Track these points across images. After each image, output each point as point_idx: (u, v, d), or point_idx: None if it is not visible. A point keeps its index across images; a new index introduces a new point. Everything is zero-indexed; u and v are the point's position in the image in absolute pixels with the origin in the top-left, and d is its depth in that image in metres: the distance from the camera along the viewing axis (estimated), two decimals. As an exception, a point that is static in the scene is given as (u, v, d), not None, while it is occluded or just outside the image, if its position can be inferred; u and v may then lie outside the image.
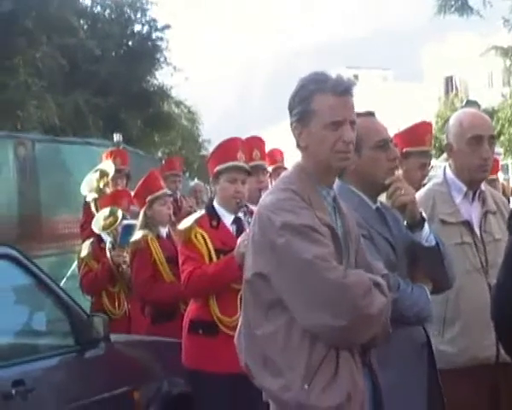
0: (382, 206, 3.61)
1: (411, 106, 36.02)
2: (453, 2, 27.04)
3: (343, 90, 3.04)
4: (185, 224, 4.99)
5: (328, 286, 2.85)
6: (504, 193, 6.87)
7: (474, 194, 4.14)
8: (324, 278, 2.84)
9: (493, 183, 6.87)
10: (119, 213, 6.86)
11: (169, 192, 6.90)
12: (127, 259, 6.58)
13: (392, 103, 40.58)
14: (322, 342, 2.89)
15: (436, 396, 3.57)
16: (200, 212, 5.22)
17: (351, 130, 3.05)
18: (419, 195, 4.22)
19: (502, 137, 29.48)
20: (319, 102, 3.01)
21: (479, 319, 3.78)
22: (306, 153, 3.08)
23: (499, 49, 25.80)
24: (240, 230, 4.93)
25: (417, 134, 5.61)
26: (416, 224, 3.50)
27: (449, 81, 45.38)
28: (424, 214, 3.56)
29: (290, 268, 2.87)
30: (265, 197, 3.08)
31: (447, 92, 42.67)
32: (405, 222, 3.53)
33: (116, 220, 6.82)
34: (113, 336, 5.23)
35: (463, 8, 26.95)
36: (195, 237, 4.87)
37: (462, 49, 39.34)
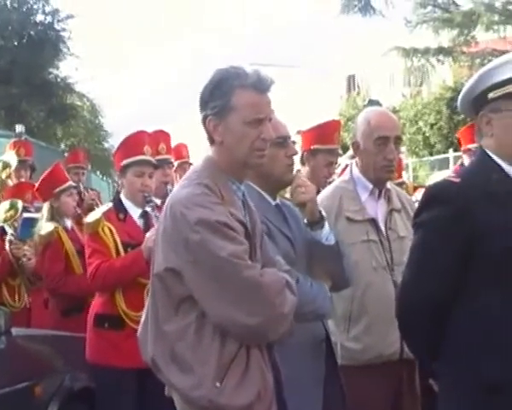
0: (282, 203, 3.63)
1: (317, 104, 36.35)
2: (356, 3, 27.43)
3: (265, 87, 3.04)
4: (92, 216, 4.94)
5: (243, 284, 2.84)
6: (407, 192, 6.99)
7: (380, 192, 4.19)
8: (240, 277, 2.84)
9: (400, 186, 7.02)
10: (19, 206, 6.74)
11: (74, 184, 6.82)
12: (28, 252, 6.46)
13: (299, 101, 40.88)
14: (233, 340, 2.89)
15: (336, 391, 3.60)
16: (108, 205, 5.17)
17: (270, 127, 3.06)
18: (326, 192, 4.28)
19: (403, 137, 30.08)
20: (240, 97, 2.98)
21: (384, 317, 3.83)
22: (221, 148, 3.04)
23: (401, 50, 26.23)
24: (147, 224, 4.90)
25: (325, 132, 5.64)
26: (316, 222, 3.53)
27: (351, 80, 45.99)
28: (324, 213, 3.60)
29: (205, 265, 2.85)
30: (178, 191, 3.03)
31: (349, 91, 43.23)
32: (305, 220, 3.55)
33: (16, 213, 6.70)
34: (14, 330, 5.13)
35: (366, 8, 27.32)
36: (102, 230, 4.83)
37: (365, 49, 39.93)
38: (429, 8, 26.37)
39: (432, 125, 28.90)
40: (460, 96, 3.16)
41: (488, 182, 2.93)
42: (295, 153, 3.63)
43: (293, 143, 3.70)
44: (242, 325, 2.85)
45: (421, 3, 26.12)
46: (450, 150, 22.91)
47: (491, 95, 3.00)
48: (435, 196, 3.02)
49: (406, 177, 11.06)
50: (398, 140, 4.19)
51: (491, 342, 2.84)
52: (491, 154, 3.01)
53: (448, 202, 2.92)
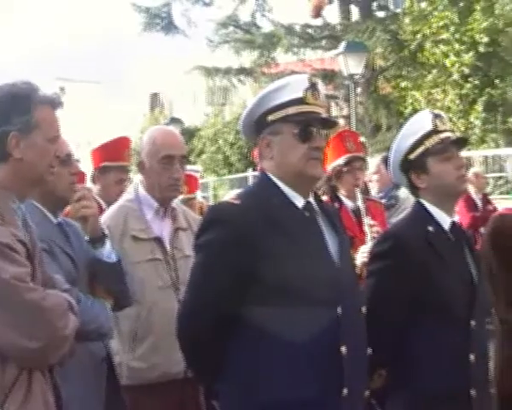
0: (64, 221, 3.58)
1: (120, 120, 36.09)
2: (159, 21, 27.55)
3: (58, 104, 3.02)
4: None
5: (25, 308, 2.76)
6: (202, 211, 7.05)
7: (166, 211, 4.20)
8: (22, 300, 2.75)
9: (190, 201, 7.06)
10: None
11: None
12: None
13: (102, 117, 40.44)
14: (14, 364, 2.79)
15: None
16: None
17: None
18: (111, 211, 4.24)
19: (203, 156, 30.38)
20: (42, 114, 2.93)
21: (169, 336, 3.75)
22: (16, 164, 2.91)
23: (203, 69, 26.54)
24: None
25: (115, 149, 5.57)
26: (98, 239, 3.50)
27: (154, 97, 46.03)
28: (106, 230, 3.57)
29: None
30: None
31: (153, 108, 43.23)
32: (87, 237, 3.51)
33: None
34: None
35: (169, 27, 27.53)
36: None
37: (169, 67, 40.07)
38: (231, 28, 26.85)
39: (232, 145, 29.36)
40: (241, 119, 3.21)
41: (268, 205, 2.98)
42: (78, 171, 3.59)
43: (77, 161, 3.66)
44: (23, 348, 2.76)
45: (223, 24, 26.56)
46: (250, 169, 23.37)
47: (270, 117, 3.05)
48: (215, 217, 3.05)
49: (201, 196, 11.14)
50: (183, 159, 4.21)
51: (267, 365, 2.89)
52: (271, 176, 3.07)
53: (226, 223, 2.94)
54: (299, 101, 3.04)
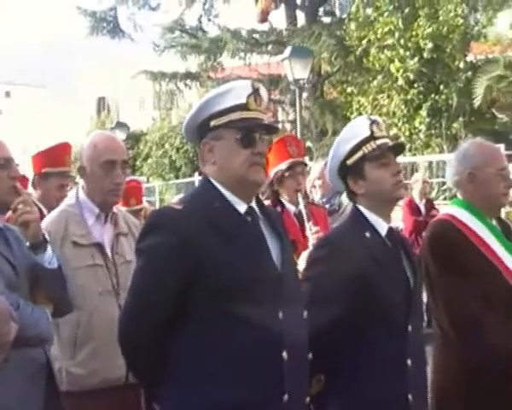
0: (5, 227, 3.54)
1: (66, 125, 35.81)
2: (105, 25, 27.45)
3: None
4: None
5: None
6: (145, 215, 7.04)
7: (107, 216, 4.19)
8: None
9: (138, 213, 7.10)
10: None
11: None
12: None
13: (49, 121, 40.07)
14: None
15: None
16: None
17: None
18: (51, 216, 4.21)
19: (149, 160, 30.28)
20: None
21: (109, 341, 3.73)
22: None
23: (149, 74, 26.49)
24: None
25: (56, 154, 5.57)
26: (39, 245, 3.47)
27: (101, 101, 45.77)
28: (47, 236, 3.55)
29: None
30: None
31: (99, 112, 42.97)
32: (28, 243, 3.48)
33: None
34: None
35: (115, 31, 27.46)
36: None
37: (116, 71, 39.89)
38: (177, 33, 26.86)
39: (178, 149, 29.29)
40: (184, 124, 3.21)
41: (210, 210, 2.99)
42: (18, 175, 3.56)
43: (17, 165, 3.63)
44: None
45: (169, 28, 26.58)
46: (196, 174, 23.34)
47: (213, 123, 3.06)
48: (156, 222, 3.04)
49: (152, 200, 11.15)
50: (124, 164, 4.20)
51: (208, 368, 2.89)
52: (213, 181, 3.07)
53: (168, 228, 2.94)
54: (242, 107, 3.05)
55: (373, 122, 3.53)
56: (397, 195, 3.53)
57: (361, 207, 3.52)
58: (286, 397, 2.90)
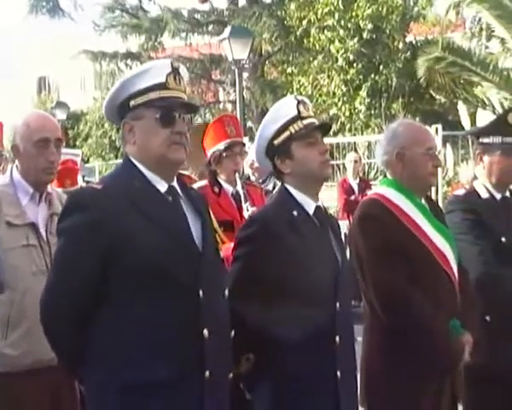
0: None
1: (6, 105, 35.29)
2: (45, 4, 27.04)
3: None
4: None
5: None
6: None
7: (41, 196, 4.16)
8: None
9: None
10: None
11: None
12: None
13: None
14: None
15: None
16: None
17: None
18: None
19: (89, 140, 30.01)
20: None
21: (42, 322, 3.81)
22: None
23: (89, 53, 26.20)
24: None
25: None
26: None
27: (42, 81, 45.18)
28: None
29: None
30: None
31: (40, 92, 42.41)
32: None
33: None
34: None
35: (54, 10, 27.07)
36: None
37: (56, 51, 39.39)
38: (117, 12, 26.58)
39: (118, 129, 29.00)
40: (104, 104, 3.22)
41: (130, 189, 3.00)
42: None
43: None
44: None
45: (110, 8, 26.28)
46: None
47: (132, 102, 3.07)
48: (76, 202, 3.05)
49: (92, 180, 11.06)
50: (58, 142, 4.18)
51: (128, 348, 2.92)
52: (134, 160, 3.08)
53: (88, 208, 2.95)
54: (161, 85, 3.06)
55: (300, 102, 3.58)
56: (324, 174, 3.57)
57: (288, 187, 3.56)
58: (207, 374, 2.94)
